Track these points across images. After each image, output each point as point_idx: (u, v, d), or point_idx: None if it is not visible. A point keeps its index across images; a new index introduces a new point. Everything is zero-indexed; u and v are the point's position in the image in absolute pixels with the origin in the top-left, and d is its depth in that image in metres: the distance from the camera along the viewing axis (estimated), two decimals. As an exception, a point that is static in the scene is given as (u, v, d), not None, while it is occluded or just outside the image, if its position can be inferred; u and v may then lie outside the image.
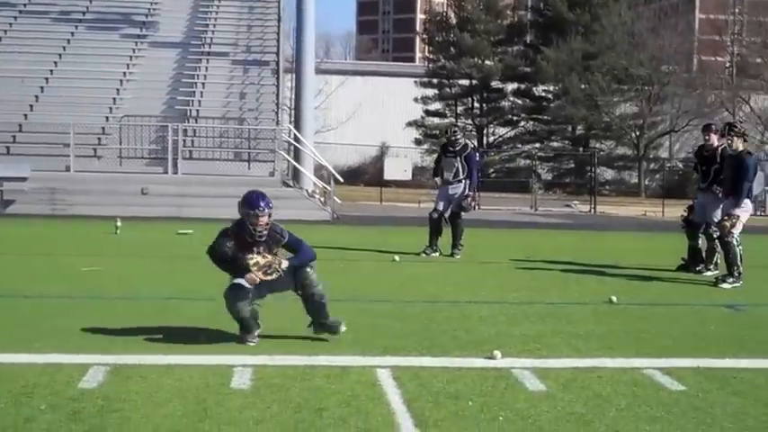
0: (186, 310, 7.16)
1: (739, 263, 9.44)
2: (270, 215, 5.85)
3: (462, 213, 11.63)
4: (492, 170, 49.38)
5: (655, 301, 8.22)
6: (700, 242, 10.50)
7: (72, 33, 24.40)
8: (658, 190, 41.57)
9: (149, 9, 26.06)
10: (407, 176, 32.99)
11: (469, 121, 54.60)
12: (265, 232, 5.84)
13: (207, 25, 25.53)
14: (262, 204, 5.80)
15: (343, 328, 6.00)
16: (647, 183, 48.50)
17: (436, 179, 11.89)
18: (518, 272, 10.36)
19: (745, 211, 9.58)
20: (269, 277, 5.86)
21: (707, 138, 10.58)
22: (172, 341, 5.88)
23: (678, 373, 5.25)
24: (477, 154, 12.22)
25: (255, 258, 5.85)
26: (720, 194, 9.91)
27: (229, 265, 5.94)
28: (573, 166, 48.99)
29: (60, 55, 23.21)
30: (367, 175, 44.41)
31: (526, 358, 5.58)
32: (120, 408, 4.36)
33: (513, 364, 5.39)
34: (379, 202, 28.91)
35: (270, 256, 5.91)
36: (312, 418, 4.25)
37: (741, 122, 10.94)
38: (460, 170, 11.52)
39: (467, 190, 11.57)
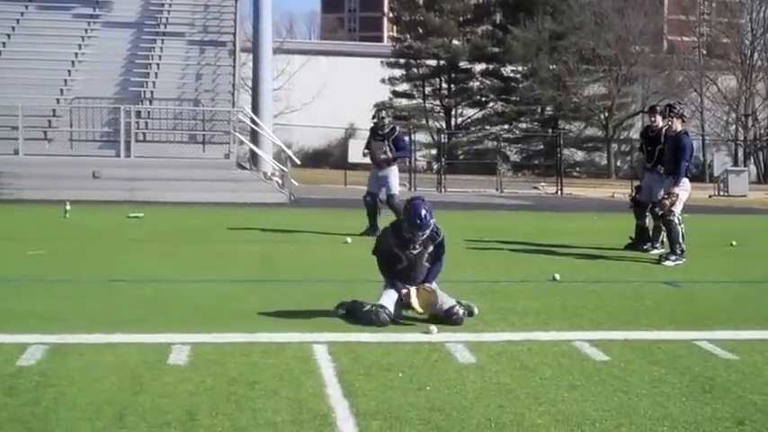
0: (131, 292, 7.19)
1: (681, 241, 9.68)
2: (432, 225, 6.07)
3: (396, 195, 11.80)
4: (460, 152, 49.58)
5: (597, 279, 8.43)
6: (647, 221, 10.72)
7: (22, 13, 23.99)
8: (629, 171, 42.06)
9: (103, -12, 25.65)
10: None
11: (437, 102, 54.68)
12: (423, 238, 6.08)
13: (162, 5, 25.20)
14: (426, 221, 6.00)
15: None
16: (618, 164, 48.95)
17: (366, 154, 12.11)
18: (468, 252, 10.47)
19: (684, 189, 9.82)
20: (421, 310, 6.04)
21: (652, 119, 10.85)
22: (113, 321, 5.93)
23: (605, 345, 5.42)
24: (407, 137, 12.36)
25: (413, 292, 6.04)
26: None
27: (388, 261, 6.17)
28: (542, 147, 49.17)
29: (9, 35, 22.81)
30: (332, 157, 44.35)
31: (461, 333, 5.72)
32: (57, 383, 4.42)
33: (447, 339, 5.52)
34: (343, 185, 28.90)
35: (429, 289, 6.08)
36: (244, 390, 4.35)
37: (680, 103, 11.18)
38: (389, 153, 11.77)
39: (395, 173, 11.94)
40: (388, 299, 6.05)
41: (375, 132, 11.95)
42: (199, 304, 6.62)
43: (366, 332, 5.71)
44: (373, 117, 12.23)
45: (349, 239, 11.08)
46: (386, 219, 11.45)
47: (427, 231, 6.01)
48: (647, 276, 8.66)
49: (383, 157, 11.77)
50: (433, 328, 5.72)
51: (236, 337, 5.50)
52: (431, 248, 6.17)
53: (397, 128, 12.21)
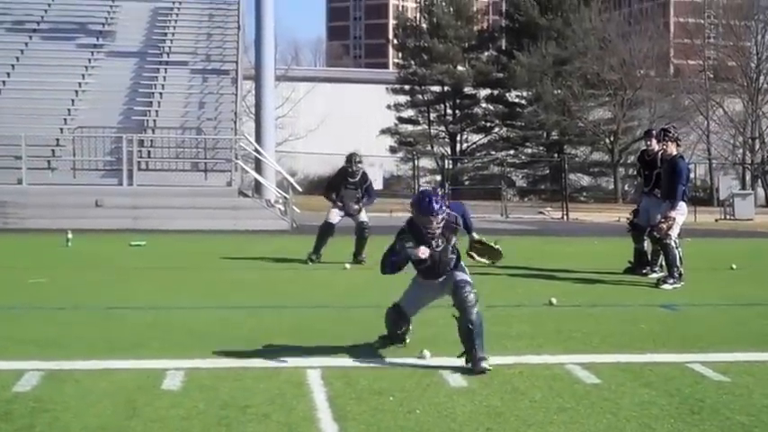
0: (129, 319, 7.25)
1: (679, 264, 9.70)
2: (445, 213, 5.63)
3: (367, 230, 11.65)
4: (465, 177, 49.66)
5: (593, 303, 8.43)
6: (645, 245, 10.75)
7: (26, 44, 24.17)
8: (636, 196, 41.90)
9: (106, 18, 25.89)
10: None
11: (442, 128, 54.88)
12: (439, 231, 5.64)
13: (165, 34, 25.41)
14: (435, 208, 5.55)
15: (486, 366, 5.35)
16: (625, 188, 48.87)
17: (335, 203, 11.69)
18: (466, 277, 10.48)
19: (681, 213, 9.86)
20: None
21: (648, 143, 10.93)
22: (110, 347, 5.99)
23: (597, 368, 5.45)
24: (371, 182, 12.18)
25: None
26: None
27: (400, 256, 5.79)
28: (548, 172, 49.13)
29: (13, 66, 23.00)
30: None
31: (454, 357, 5.74)
32: (52, 408, 4.49)
33: (440, 363, 5.55)
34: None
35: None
36: (236, 414, 4.41)
37: (675, 128, 11.27)
38: (363, 201, 11.68)
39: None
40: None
41: (345, 178, 11.67)
42: (196, 330, 6.67)
43: (360, 357, 5.75)
44: (347, 162, 11.70)
45: (348, 265, 11.12)
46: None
47: (440, 217, 5.56)
48: (644, 300, 8.67)
49: (356, 207, 11.62)
50: (426, 352, 5.76)
51: (230, 363, 5.55)
52: (454, 240, 5.79)
53: (368, 175, 12.03)
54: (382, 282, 9.84)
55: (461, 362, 5.53)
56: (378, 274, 10.43)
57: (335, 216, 11.63)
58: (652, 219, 10.37)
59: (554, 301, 8.05)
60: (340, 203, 11.62)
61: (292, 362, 5.58)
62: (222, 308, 7.90)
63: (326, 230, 11.62)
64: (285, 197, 19.92)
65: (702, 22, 56.83)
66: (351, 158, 11.73)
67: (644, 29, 49.30)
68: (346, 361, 5.65)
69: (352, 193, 11.62)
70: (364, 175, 11.84)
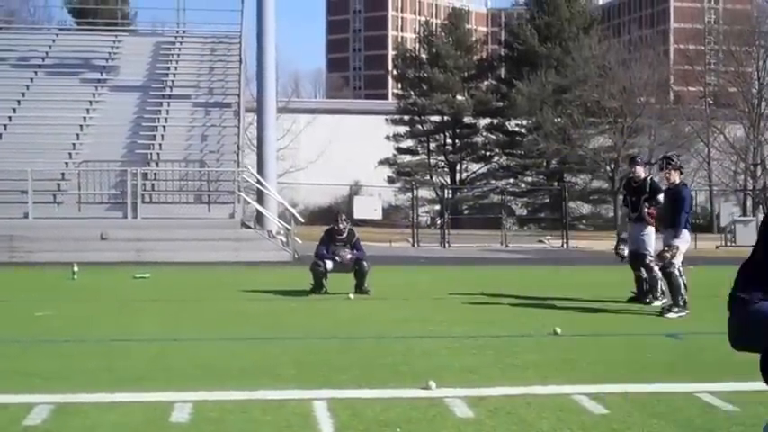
0: (133, 351, 7.26)
1: (683, 292, 9.68)
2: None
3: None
4: (465, 207, 49.76)
5: (598, 332, 8.43)
6: (643, 272, 10.73)
7: (32, 79, 24.41)
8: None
9: (110, 53, 26.15)
10: (377, 215, 33.22)
11: (441, 158, 55.08)
12: None
13: (168, 68, 25.64)
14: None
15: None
16: (626, 216, 48.74)
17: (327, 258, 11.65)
18: (469, 307, 10.51)
19: (684, 241, 9.88)
20: None
21: (633, 170, 11.05)
22: (115, 380, 5.98)
23: (604, 398, 5.44)
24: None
25: None
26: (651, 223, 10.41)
27: None
28: (548, 200, 49.16)
29: (19, 101, 23.21)
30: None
31: (461, 388, 5.73)
32: (61, 443, 4.49)
33: (446, 394, 5.54)
34: (349, 241, 28.83)
35: None
36: (243, 448, 4.40)
37: (678, 156, 11.40)
38: (354, 254, 11.65)
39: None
40: None
41: (333, 237, 11.70)
42: (201, 362, 6.68)
43: (365, 388, 5.74)
44: (334, 221, 11.85)
45: (351, 295, 11.14)
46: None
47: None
48: (649, 329, 8.66)
49: (348, 256, 11.57)
50: (432, 383, 5.75)
51: (236, 395, 5.55)
52: None
53: (355, 231, 12.07)
54: (385, 311, 9.96)
55: (467, 392, 5.55)
56: (381, 304, 10.59)
57: (329, 264, 11.55)
58: (640, 246, 10.49)
59: (558, 330, 8.04)
60: (333, 256, 11.55)
61: (298, 393, 5.58)
62: (227, 339, 7.90)
63: (318, 272, 11.51)
64: (287, 228, 19.97)
65: (703, 48, 57.20)
66: (337, 217, 11.87)
67: (644, 56, 49.50)
68: (352, 392, 5.64)
69: (343, 248, 11.62)
70: (351, 231, 11.89)
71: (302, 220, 20.45)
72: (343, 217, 11.91)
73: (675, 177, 10.02)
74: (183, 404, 5.28)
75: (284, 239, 19.95)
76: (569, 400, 5.41)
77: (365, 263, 11.66)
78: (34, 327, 8.71)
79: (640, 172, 10.77)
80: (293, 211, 19.79)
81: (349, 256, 11.54)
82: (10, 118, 22.42)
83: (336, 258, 11.47)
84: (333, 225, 11.82)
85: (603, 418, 5.00)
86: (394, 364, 6.61)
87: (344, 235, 11.72)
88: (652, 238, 10.53)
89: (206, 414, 5.08)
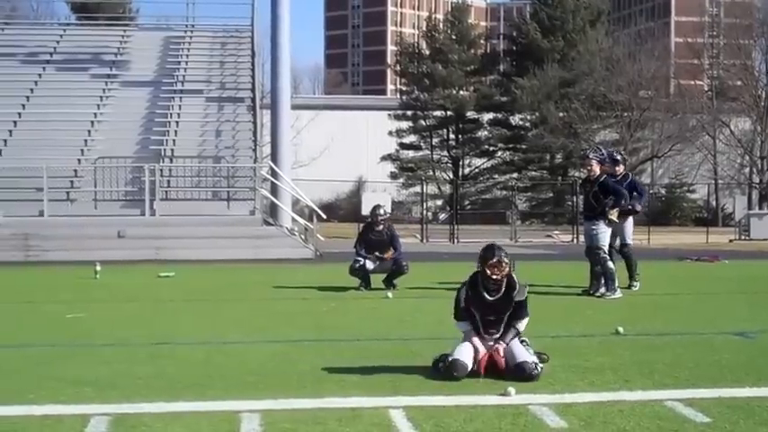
0: (179, 355, 6.91)
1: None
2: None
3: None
4: (467, 202, 49.39)
5: (661, 331, 8.09)
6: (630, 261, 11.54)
7: (40, 75, 24.05)
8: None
9: (119, 48, 25.81)
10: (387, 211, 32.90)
11: (445, 153, 54.71)
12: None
13: (179, 62, 25.29)
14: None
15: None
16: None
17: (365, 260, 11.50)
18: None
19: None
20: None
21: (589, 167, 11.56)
22: (169, 387, 5.65)
23: (700, 404, 5.11)
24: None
25: None
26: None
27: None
28: (551, 195, 48.86)
29: (28, 97, 22.83)
30: (342, 210, 44.24)
31: (541, 394, 5.41)
32: (129, 458, 4.16)
33: (529, 401, 5.22)
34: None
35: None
36: (333, 465, 4.07)
37: (600, 148, 12.33)
38: (392, 253, 11.50)
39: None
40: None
41: (372, 229, 11.56)
42: (254, 368, 6.34)
43: (440, 394, 5.41)
44: (374, 211, 11.68)
45: (390, 294, 10.81)
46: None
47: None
48: (713, 327, 8.32)
49: (385, 256, 11.40)
50: (511, 389, 5.42)
51: (304, 403, 5.22)
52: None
53: (393, 227, 11.91)
54: (430, 310, 9.62)
55: (550, 399, 5.24)
56: (424, 303, 10.26)
57: (369, 264, 11.42)
58: (621, 236, 11.49)
59: (621, 329, 7.71)
60: (371, 255, 11.42)
61: (369, 401, 5.25)
62: (275, 342, 7.56)
63: (359, 275, 11.42)
64: (308, 225, 19.67)
65: (710, 41, 56.92)
66: (375, 211, 11.73)
67: (651, 48, 49.18)
68: (427, 399, 5.31)
69: (380, 239, 11.46)
70: (389, 226, 11.73)
71: (324, 217, 20.12)
72: (382, 211, 11.63)
73: (597, 170, 10.73)
74: (251, 414, 4.95)
75: (302, 236, 19.64)
76: (663, 407, 5.08)
77: (405, 264, 11.41)
78: (68, 329, 8.38)
79: (596, 168, 10.86)
80: (315, 207, 19.46)
81: (387, 255, 11.28)
82: (19, 114, 22.06)
83: (373, 260, 11.32)
84: (370, 219, 11.65)
85: (709, 427, 4.67)
86: (460, 367, 6.27)
87: (381, 228, 11.46)
88: (605, 234, 10.88)
89: (278, 425, 4.75)
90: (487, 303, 5.99)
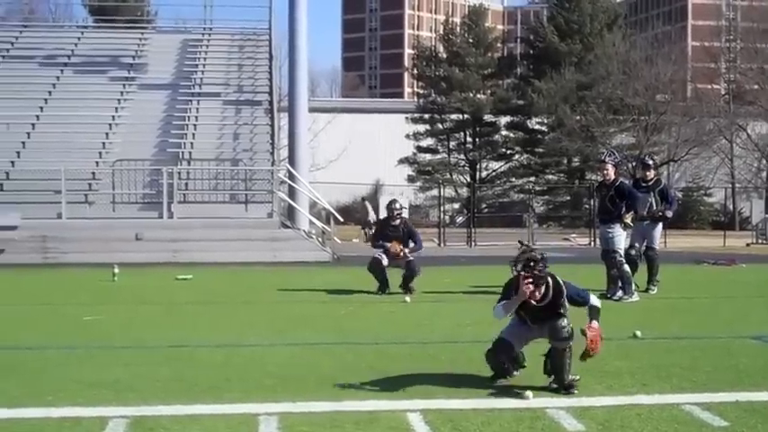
0: (198, 358, 6.95)
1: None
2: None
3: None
4: (484, 205, 49.26)
5: (678, 335, 8.08)
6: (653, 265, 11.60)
7: (58, 77, 24.18)
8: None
9: (137, 51, 25.93)
10: (404, 214, 32.83)
11: (462, 156, 54.66)
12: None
13: (196, 65, 25.38)
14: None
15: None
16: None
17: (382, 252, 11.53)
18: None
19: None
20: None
21: (647, 172, 11.88)
22: (189, 390, 5.69)
23: (718, 408, 5.10)
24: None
25: None
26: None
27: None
28: (568, 198, 48.64)
29: (46, 100, 22.96)
30: (358, 213, 44.26)
31: (559, 398, 5.43)
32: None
33: (546, 404, 5.23)
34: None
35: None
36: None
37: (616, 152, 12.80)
38: (410, 244, 11.58)
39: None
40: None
41: (389, 224, 11.64)
42: (272, 370, 6.36)
43: (457, 398, 5.42)
44: (390, 205, 11.76)
45: (408, 298, 10.81)
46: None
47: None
48: (730, 331, 8.29)
49: (401, 254, 11.42)
50: (528, 393, 5.43)
51: (322, 406, 5.24)
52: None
53: (410, 222, 11.96)
54: (448, 314, 9.61)
55: (567, 402, 5.25)
56: (441, 307, 10.26)
57: (384, 259, 11.48)
58: (649, 239, 11.55)
59: (638, 333, 7.68)
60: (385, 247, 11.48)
61: (387, 404, 5.26)
62: (293, 345, 7.58)
63: (377, 266, 11.44)
64: (325, 228, 19.68)
65: (727, 45, 56.55)
66: (389, 206, 11.81)
67: (668, 52, 48.89)
68: (444, 402, 5.32)
69: (398, 236, 11.52)
70: (405, 221, 11.83)
71: (342, 220, 20.13)
72: (398, 204, 11.70)
73: (612, 173, 10.73)
74: (268, 417, 4.99)
75: (320, 239, 19.65)
76: (681, 411, 5.07)
77: (416, 267, 11.42)
78: (86, 332, 8.43)
79: (611, 172, 10.84)
80: (333, 210, 19.47)
81: (399, 249, 11.31)
82: (38, 117, 22.16)
83: (386, 248, 11.35)
84: (395, 212, 11.64)
85: (726, 431, 4.67)
86: (477, 370, 6.26)
87: (398, 222, 11.53)
88: (621, 238, 10.92)
89: (296, 428, 4.79)
90: (535, 308, 5.80)
